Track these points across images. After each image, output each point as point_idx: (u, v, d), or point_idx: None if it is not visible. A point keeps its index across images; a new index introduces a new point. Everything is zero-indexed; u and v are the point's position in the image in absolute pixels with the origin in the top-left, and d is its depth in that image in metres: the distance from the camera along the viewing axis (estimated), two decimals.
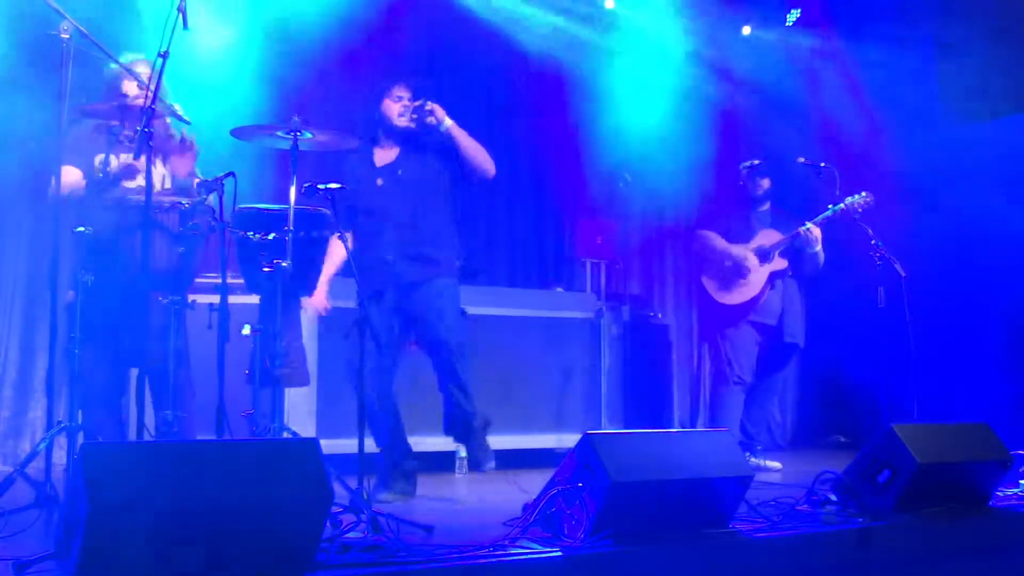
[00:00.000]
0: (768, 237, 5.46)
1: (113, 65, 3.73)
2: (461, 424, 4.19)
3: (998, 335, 6.38)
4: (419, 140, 4.28)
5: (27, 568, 2.33)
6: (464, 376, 4.15)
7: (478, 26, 6.40)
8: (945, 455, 3.48)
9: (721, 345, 5.49)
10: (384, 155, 4.32)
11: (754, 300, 5.39)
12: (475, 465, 4.29)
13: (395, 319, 4.22)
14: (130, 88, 3.80)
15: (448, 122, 4.20)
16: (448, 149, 4.23)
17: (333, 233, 3.86)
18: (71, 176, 3.72)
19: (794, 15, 7.19)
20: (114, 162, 3.81)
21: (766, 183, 5.57)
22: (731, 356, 5.44)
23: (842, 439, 7.13)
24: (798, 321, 5.50)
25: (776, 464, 5.42)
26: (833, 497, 3.50)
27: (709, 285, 5.51)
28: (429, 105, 4.18)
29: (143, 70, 3.72)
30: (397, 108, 4.26)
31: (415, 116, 4.21)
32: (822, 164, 5.28)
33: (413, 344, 4.36)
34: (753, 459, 5.29)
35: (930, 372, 5.47)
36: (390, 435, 4.22)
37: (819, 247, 5.35)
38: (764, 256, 5.42)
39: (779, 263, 5.43)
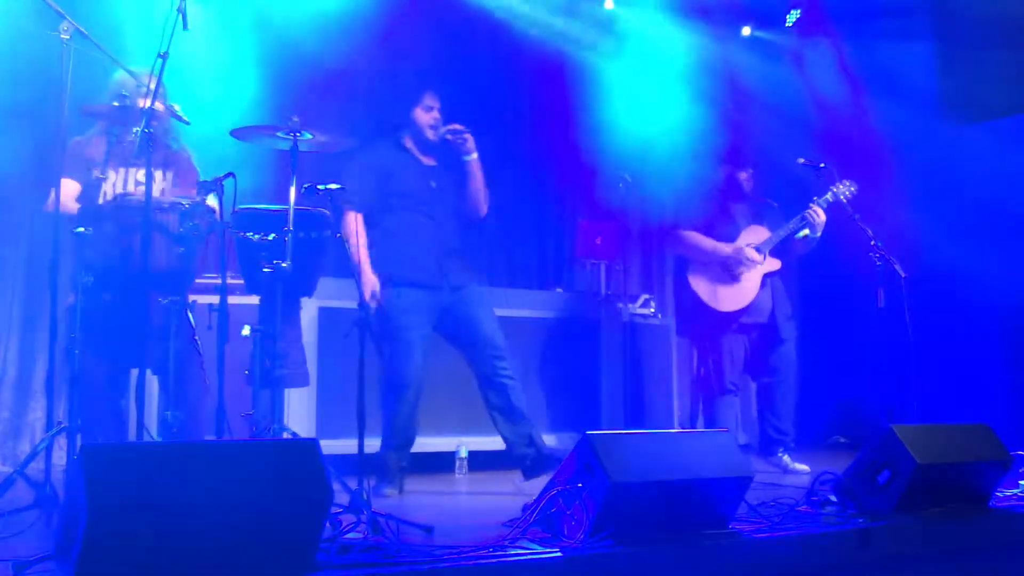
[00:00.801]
0: (756, 234, 5.29)
1: (120, 73, 3.73)
2: (512, 427, 4.29)
3: (998, 335, 6.39)
4: (448, 157, 4.42)
5: (26, 569, 2.33)
6: (510, 374, 4.31)
7: (479, 27, 6.40)
8: (945, 455, 3.48)
9: (712, 353, 5.33)
10: (424, 157, 4.43)
11: (748, 305, 5.23)
12: (532, 469, 4.24)
13: (432, 318, 4.29)
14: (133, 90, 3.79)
15: (474, 155, 4.36)
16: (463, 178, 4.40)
17: (334, 233, 3.87)
18: (68, 188, 3.74)
19: (794, 16, 7.18)
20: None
21: (747, 175, 5.39)
22: (723, 366, 5.29)
23: (842, 439, 7.13)
24: (788, 320, 5.37)
25: (805, 467, 5.16)
26: (833, 498, 3.50)
27: (699, 288, 5.29)
28: (466, 134, 4.32)
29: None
30: (428, 119, 4.36)
31: (450, 138, 4.32)
32: (821, 165, 5.25)
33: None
34: (785, 457, 5.17)
35: (930, 372, 5.47)
36: (407, 438, 4.28)
37: (820, 232, 5.21)
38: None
39: (772, 263, 5.26)
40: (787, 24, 7.24)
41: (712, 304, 5.27)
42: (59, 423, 3.45)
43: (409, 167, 4.40)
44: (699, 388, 5.65)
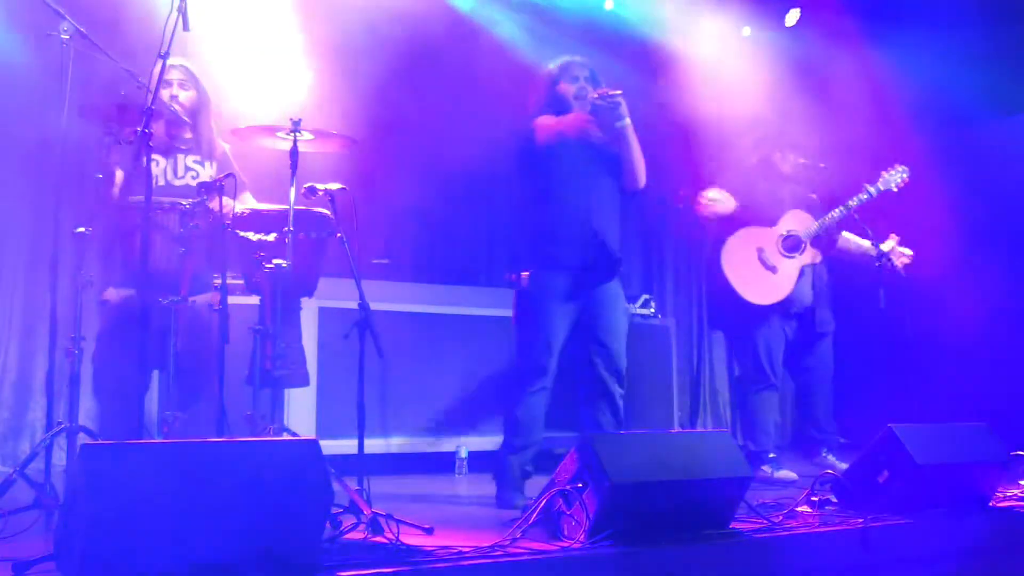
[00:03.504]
0: (798, 221, 4.97)
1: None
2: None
3: (998, 335, 6.38)
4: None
5: (27, 569, 2.33)
6: (622, 384, 4.00)
7: (479, 29, 6.39)
8: (945, 455, 3.48)
9: (752, 346, 4.97)
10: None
11: (786, 298, 4.92)
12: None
13: (574, 308, 3.95)
14: (163, 92, 3.76)
15: (627, 120, 3.92)
16: (615, 153, 3.98)
17: (334, 234, 3.83)
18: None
19: (794, 15, 7.15)
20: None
21: (793, 157, 5.07)
22: (764, 359, 4.95)
23: (842, 439, 7.12)
24: (827, 309, 5.11)
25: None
26: (833, 498, 3.51)
27: (734, 278, 4.90)
28: (619, 97, 3.86)
29: (177, 75, 3.88)
30: (572, 89, 4.01)
31: (600, 103, 3.89)
32: (821, 165, 5.22)
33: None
34: (830, 456, 4.98)
35: (930, 372, 5.46)
36: (536, 439, 3.99)
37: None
38: (795, 246, 4.94)
39: (811, 254, 4.94)
40: (787, 24, 7.21)
41: (748, 296, 4.90)
42: (59, 423, 3.45)
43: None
44: (738, 386, 5.37)
